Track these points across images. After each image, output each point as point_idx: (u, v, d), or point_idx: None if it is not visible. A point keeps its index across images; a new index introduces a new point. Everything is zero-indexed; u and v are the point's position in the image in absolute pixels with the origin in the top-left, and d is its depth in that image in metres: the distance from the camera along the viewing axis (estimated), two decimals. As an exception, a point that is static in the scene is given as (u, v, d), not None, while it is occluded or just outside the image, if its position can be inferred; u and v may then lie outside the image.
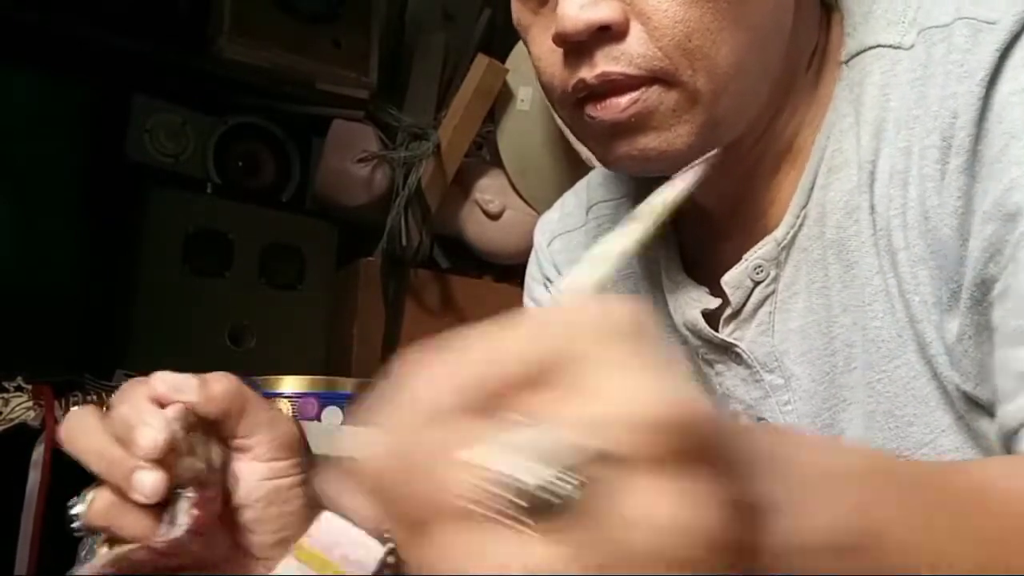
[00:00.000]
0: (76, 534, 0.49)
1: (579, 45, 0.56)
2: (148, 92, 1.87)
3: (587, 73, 0.56)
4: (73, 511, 0.49)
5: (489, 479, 0.24)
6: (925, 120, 0.56)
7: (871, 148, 0.59)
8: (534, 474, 0.24)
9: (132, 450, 0.47)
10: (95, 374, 1.52)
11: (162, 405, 0.49)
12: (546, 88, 0.61)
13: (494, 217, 1.96)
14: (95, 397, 1.38)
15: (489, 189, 1.97)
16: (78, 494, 0.49)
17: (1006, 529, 0.37)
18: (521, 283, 0.87)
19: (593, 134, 0.59)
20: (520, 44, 1.91)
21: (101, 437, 0.48)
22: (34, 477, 1.29)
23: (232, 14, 1.86)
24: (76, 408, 0.51)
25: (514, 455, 0.24)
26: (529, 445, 0.24)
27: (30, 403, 1.32)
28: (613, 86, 0.56)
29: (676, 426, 0.25)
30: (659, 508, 0.24)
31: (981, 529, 0.37)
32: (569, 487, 0.24)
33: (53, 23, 1.71)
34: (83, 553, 0.50)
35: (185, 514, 0.47)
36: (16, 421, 1.30)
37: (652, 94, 0.55)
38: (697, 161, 0.44)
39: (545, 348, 0.26)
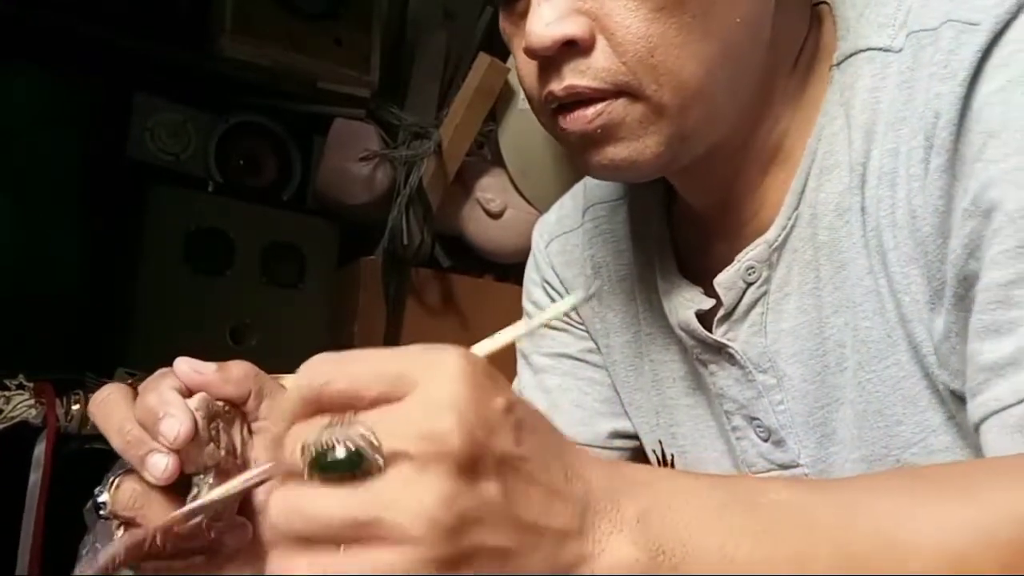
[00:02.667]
0: (102, 519, 0.51)
1: (548, 59, 0.57)
2: (149, 90, 1.87)
3: (555, 86, 0.58)
4: (100, 499, 0.51)
5: (309, 450, 0.37)
6: (911, 121, 0.57)
7: (862, 150, 0.60)
8: (338, 450, 0.36)
9: (156, 438, 0.49)
10: (96, 372, 1.52)
11: (187, 396, 0.52)
12: (527, 96, 0.63)
13: (495, 216, 1.96)
14: (96, 395, 1.38)
15: (490, 188, 1.97)
16: (88, 485, 0.51)
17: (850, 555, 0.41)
18: (522, 282, 0.87)
19: (568, 143, 0.61)
20: (521, 43, 1.91)
21: (125, 416, 0.51)
22: (35, 475, 1.29)
23: (233, 13, 1.86)
24: (110, 384, 0.54)
25: (331, 440, 0.36)
26: (343, 434, 0.36)
27: (31, 401, 1.32)
28: (580, 98, 0.57)
29: (443, 444, 0.35)
30: (404, 489, 0.35)
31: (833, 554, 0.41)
32: (354, 457, 0.36)
33: (54, 21, 1.71)
34: (84, 551, 0.51)
35: (205, 499, 0.49)
36: (17, 419, 1.30)
37: (617, 106, 0.57)
38: (586, 294, 0.49)
39: (394, 372, 0.37)
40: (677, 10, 0.55)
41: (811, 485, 0.45)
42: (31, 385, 1.34)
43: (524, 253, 0.87)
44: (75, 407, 1.34)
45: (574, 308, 0.47)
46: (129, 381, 1.47)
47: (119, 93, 1.84)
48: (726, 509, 0.41)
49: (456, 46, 2.05)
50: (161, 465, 0.49)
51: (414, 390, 0.37)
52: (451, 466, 0.36)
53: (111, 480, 0.51)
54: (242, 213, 1.91)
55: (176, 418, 0.50)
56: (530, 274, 0.85)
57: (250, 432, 0.55)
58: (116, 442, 0.51)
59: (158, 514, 0.50)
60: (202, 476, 0.50)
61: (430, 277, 1.94)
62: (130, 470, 0.51)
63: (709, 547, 0.40)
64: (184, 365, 0.53)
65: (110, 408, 0.52)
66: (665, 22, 0.55)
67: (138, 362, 1.61)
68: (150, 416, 0.50)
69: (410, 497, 0.35)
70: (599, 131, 0.57)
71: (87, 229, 1.76)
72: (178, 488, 0.50)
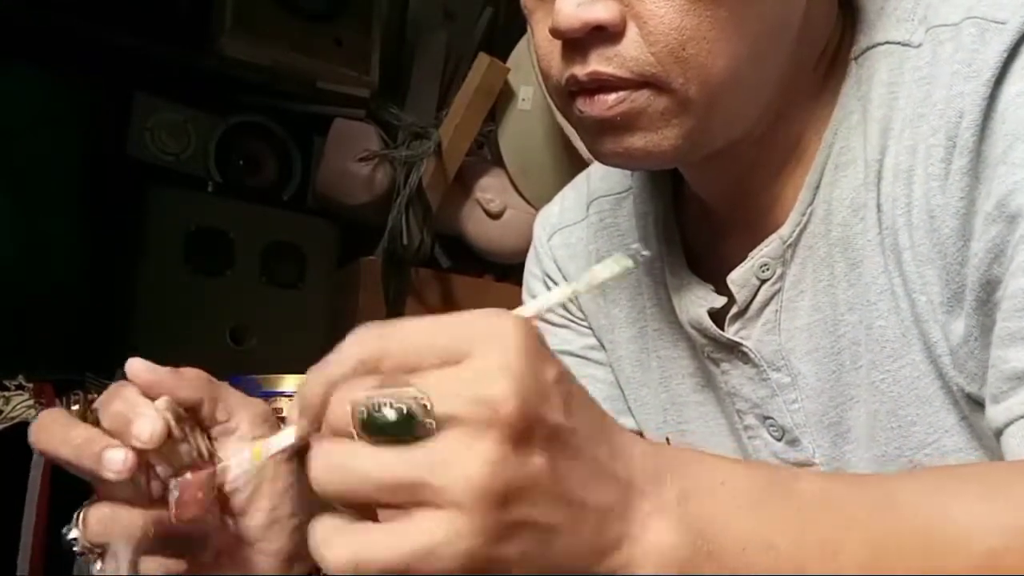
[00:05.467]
0: (79, 556, 0.49)
1: (574, 41, 0.55)
2: (149, 90, 1.87)
3: (579, 70, 0.56)
4: (69, 536, 0.49)
5: (359, 409, 0.36)
6: (931, 119, 0.56)
7: (878, 146, 0.59)
8: (387, 410, 0.35)
9: (130, 443, 0.47)
10: (96, 372, 1.52)
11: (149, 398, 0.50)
12: (543, 75, 0.61)
13: (495, 216, 1.96)
14: (96, 395, 1.38)
15: (490, 188, 1.97)
16: (74, 511, 0.49)
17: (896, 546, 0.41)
18: (522, 282, 0.86)
19: (583, 127, 0.59)
20: (521, 43, 1.92)
21: (66, 425, 0.49)
22: (35, 476, 1.29)
23: (234, 12, 1.86)
24: (43, 412, 0.52)
25: (383, 400, 0.36)
26: (394, 395, 0.35)
27: (31, 401, 1.32)
28: (603, 84, 0.56)
29: (497, 409, 0.35)
30: (455, 453, 0.35)
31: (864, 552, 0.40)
32: (406, 420, 0.35)
33: (54, 21, 1.71)
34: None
35: (190, 494, 0.48)
36: (17, 419, 1.30)
37: (641, 96, 0.55)
38: (636, 252, 0.48)
39: (449, 341, 0.37)
40: (713, 3, 0.53)
41: (845, 479, 0.44)
42: (31, 385, 1.34)
43: (524, 253, 0.86)
44: (75, 407, 1.34)
45: (629, 271, 0.46)
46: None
47: (119, 93, 1.84)
48: (765, 496, 0.40)
49: (456, 46, 2.05)
50: (119, 458, 0.47)
51: (470, 356, 0.36)
52: (505, 433, 0.35)
53: (76, 515, 0.49)
54: (242, 213, 1.91)
55: (148, 417, 0.48)
56: (530, 268, 0.84)
57: (210, 438, 0.53)
58: (65, 452, 0.48)
59: (132, 532, 0.48)
60: (177, 479, 0.48)
61: (430, 277, 1.94)
62: (91, 502, 0.50)
63: (746, 534, 0.39)
64: (138, 364, 0.51)
65: (49, 427, 0.50)
66: (700, 15, 0.53)
67: (138, 362, 1.60)
68: (120, 420, 0.48)
69: (460, 462, 0.34)
70: (619, 118, 0.56)
71: (87, 229, 1.76)
72: (148, 504, 0.49)
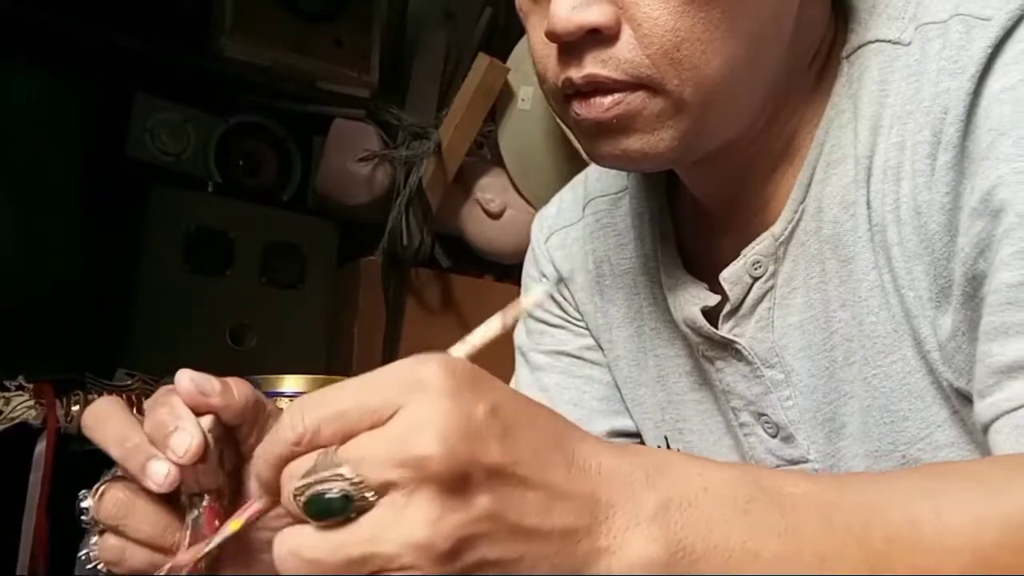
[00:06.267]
0: (84, 526, 0.50)
1: (570, 44, 0.56)
2: (149, 91, 1.87)
3: (575, 73, 0.56)
4: (83, 504, 0.50)
5: (298, 500, 0.37)
6: (918, 115, 0.56)
7: (868, 143, 0.59)
8: (325, 496, 0.36)
9: (165, 452, 0.48)
10: (96, 373, 1.52)
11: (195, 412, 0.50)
12: (539, 78, 0.61)
13: (495, 216, 1.96)
14: (96, 396, 1.38)
15: (490, 188, 1.97)
16: (88, 488, 0.50)
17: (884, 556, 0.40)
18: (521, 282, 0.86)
19: (580, 130, 0.59)
20: (521, 43, 1.92)
21: (124, 423, 0.50)
22: (35, 476, 1.29)
23: (234, 13, 1.86)
24: (103, 396, 0.52)
25: (319, 487, 0.36)
26: (328, 476, 0.36)
27: (31, 402, 1.32)
28: (599, 87, 0.56)
29: (424, 467, 0.35)
30: (393, 520, 0.35)
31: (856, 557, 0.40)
32: (343, 500, 0.36)
33: (54, 21, 1.71)
34: (84, 553, 0.51)
35: (207, 523, 0.49)
36: (17, 420, 1.30)
37: (636, 98, 0.56)
38: (546, 292, 0.49)
39: (377, 399, 0.37)
40: (707, 5, 0.54)
41: (834, 481, 0.44)
42: (31, 386, 1.34)
43: (524, 253, 0.86)
44: (75, 408, 1.34)
45: (536, 306, 0.47)
46: (128, 382, 1.47)
47: (119, 93, 1.84)
48: (750, 503, 0.40)
49: (456, 46, 2.05)
50: (163, 471, 0.48)
51: (397, 412, 0.37)
52: (436, 487, 0.35)
53: (97, 488, 0.50)
54: (242, 213, 1.91)
55: (188, 432, 0.48)
56: (528, 269, 0.84)
57: (239, 452, 0.54)
58: (115, 451, 0.49)
59: (141, 525, 0.49)
60: (199, 497, 0.49)
61: (430, 277, 1.94)
62: (115, 478, 0.50)
63: (732, 543, 0.39)
64: (187, 382, 0.50)
65: (106, 418, 0.50)
66: (694, 16, 0.54)
67: (138, 362, 1.61)
68: (160, 429, 0.49)
69: (399, 527, 0.35)
70: (615, 121, 0.56)
71: (87, 229, 1.76)
72: (165, 501, 0.49)
